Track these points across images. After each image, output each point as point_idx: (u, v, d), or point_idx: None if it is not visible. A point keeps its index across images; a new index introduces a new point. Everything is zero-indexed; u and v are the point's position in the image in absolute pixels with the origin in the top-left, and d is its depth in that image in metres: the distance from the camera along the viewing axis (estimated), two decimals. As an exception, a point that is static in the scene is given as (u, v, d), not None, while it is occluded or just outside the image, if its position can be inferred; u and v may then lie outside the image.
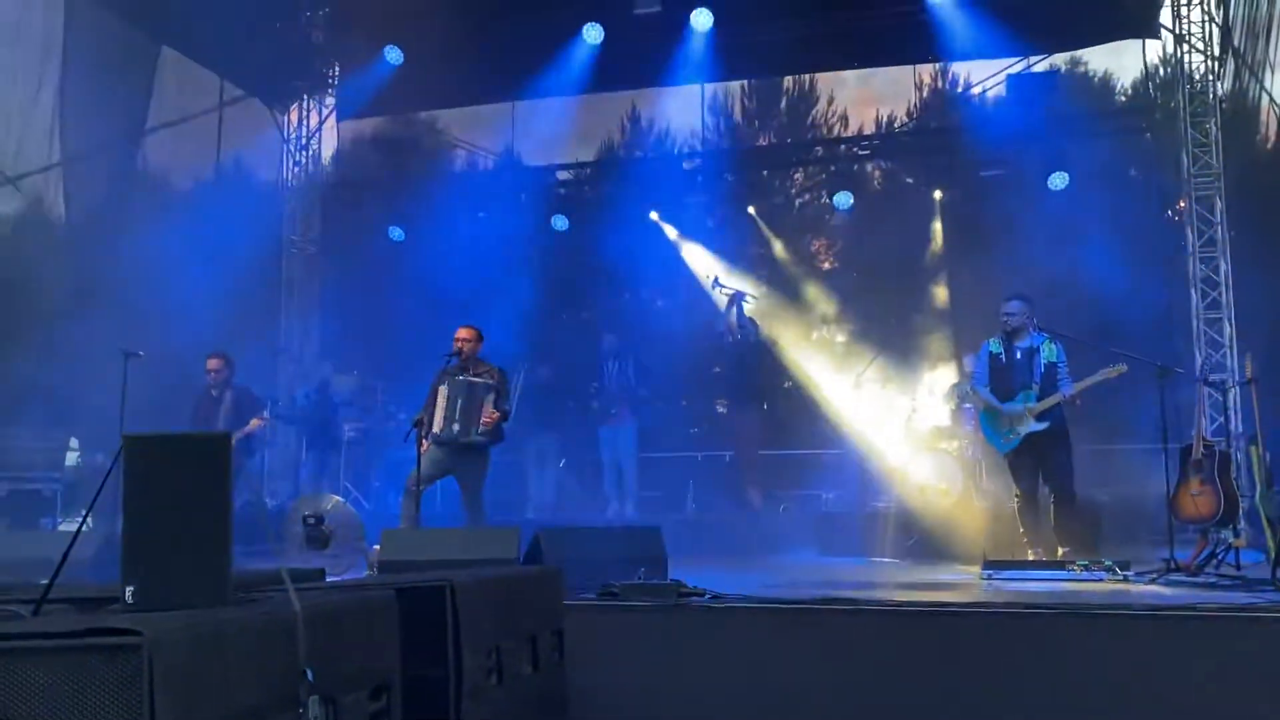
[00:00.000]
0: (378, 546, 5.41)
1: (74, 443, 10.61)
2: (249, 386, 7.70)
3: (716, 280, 10.28)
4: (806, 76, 13.62)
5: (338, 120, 12.76)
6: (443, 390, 6.85)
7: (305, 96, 12.19)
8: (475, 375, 6.93)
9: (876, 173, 12.26)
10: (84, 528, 3.20)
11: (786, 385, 11.20)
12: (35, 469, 9.31)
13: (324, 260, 12.49)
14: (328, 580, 3.94)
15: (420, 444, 6.53)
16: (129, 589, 2.29)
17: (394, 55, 11.24)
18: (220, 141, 12.19)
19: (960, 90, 11.70)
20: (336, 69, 12.44)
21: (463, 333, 7.09)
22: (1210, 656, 3.60)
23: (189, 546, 2.32)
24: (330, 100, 12.58)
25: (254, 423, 7.37)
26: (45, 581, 2.55)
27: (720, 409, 11.14)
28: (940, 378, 10.01)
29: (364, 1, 11.27)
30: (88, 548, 5.15)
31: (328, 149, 12.20)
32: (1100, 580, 5.45)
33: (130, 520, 2.33)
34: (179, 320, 8.16)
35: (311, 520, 6.94)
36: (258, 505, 9.65)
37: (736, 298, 10.04)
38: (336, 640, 2.44)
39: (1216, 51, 9.92)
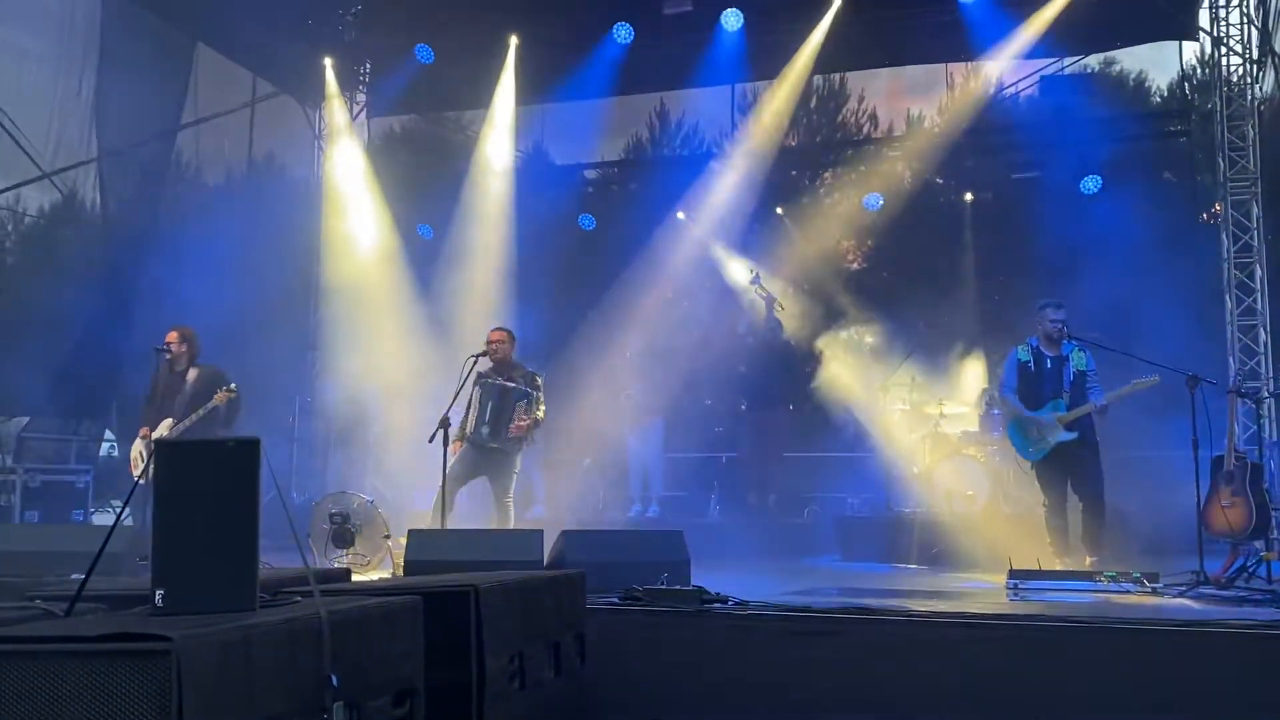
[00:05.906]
0: (404, 544, 5.44)
1: (108, 434, 10.77)
2: (216, 365, 7.03)
3: (757, 277, 10.22)
4: (836, 74, 13.50)
5: (369, 117, 12.85)
6: (476, 392, 6.81)
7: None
8: (510, 379, 6.89)
9: (907, 174, 12.12)
10: (119, 521, 3.24)
11: (813, 387, 11.13)
12: (67, 461, 9.45)
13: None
14: (354, 580, 3.98)
15: (447, 443, 6.43)
16: (159, 593, 2.33)
17: (424, 53, 11.29)
18: (253, 137, 12.33)
19: (993, 91, 11.56)
20: (368, 66, 12.51)
21: (495, 335, 7.01)
22: (1240, 674, 3.55)
23: (217, 551, 2.36)
24: (361, 97, 12.66)
25: (219, 396, 6.65)
26: (79, 577, 2.59)
27: (743, 409, 11.08)
28: (969, 383, 9.93)
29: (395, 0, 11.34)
30: (122, 541, 5.19)
31: (359, 145, 12.24)
32: (1128, 592, 5.38)
33: (160, 524, 2.37)
34: (211, 314, 8.18)
35: (338, 518, 6.97)
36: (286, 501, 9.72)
37: (768, 300, 10.02)
38: (362, 646, 2.46)
39: (1255, 54, 9.75)
